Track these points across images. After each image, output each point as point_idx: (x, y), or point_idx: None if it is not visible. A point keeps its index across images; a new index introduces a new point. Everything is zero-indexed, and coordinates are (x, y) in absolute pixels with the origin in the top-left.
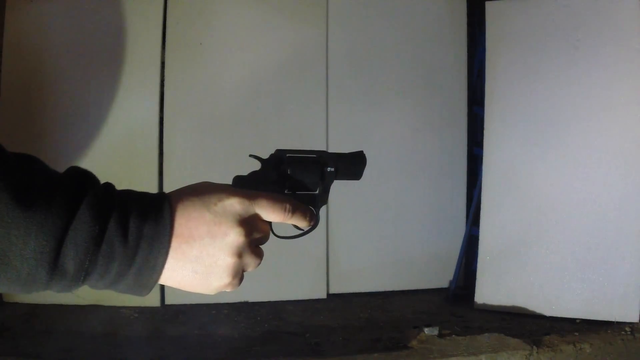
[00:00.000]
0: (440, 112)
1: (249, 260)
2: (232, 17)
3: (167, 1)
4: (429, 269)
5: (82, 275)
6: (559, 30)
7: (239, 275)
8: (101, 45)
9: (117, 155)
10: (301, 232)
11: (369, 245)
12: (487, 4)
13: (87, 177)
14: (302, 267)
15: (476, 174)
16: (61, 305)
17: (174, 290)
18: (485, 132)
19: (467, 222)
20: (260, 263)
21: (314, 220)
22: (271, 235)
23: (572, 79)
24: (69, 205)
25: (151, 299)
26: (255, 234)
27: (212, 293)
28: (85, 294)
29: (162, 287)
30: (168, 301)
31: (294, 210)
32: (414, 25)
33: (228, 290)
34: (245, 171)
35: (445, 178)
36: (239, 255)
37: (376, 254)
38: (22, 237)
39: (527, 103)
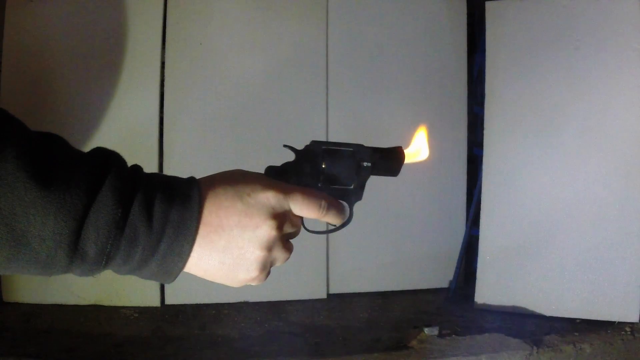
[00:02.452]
0: (440, 112)
1: (279, 255)
2: (232, 17)
3: (167, 1)
4: (429, 269)
5: (104, 260)
6: (559, 30)
7: (267, 269)
8: (101, 45)
9: None
10: (333, 227)
11: (369, 245)
12: (487, 4)
13: (111, 157)
14: (302, 267)
15: (476, 174)
16: (61, 305)
17: (174, 290)
18: (485, 132)
19: (467, 222)
20: (289, 257)
21: (348, 217)
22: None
23: (572, 79)
24: (90, 185)
25: (151, 299)
26: (287, 228)
27: (237, 286)
28: (85, 294)
29: (162, 287)
30: (168, 301)
31: (329, 208)
32: (414, 25)
33: (254, 284)
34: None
35: (445, 178)
36: (269, 248)
37: (376, 254)
38: (40, 217)
39: (527, 103)
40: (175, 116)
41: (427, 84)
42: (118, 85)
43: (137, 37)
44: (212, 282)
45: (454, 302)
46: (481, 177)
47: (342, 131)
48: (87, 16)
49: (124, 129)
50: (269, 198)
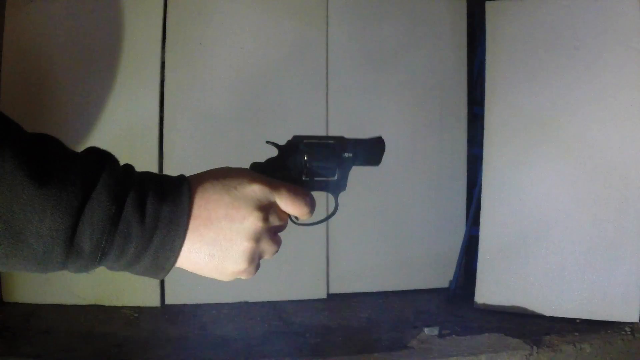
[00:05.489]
0: (440, 112)
1: (267, 247)
2: (232, 17)
3: (167, 1)
4: (429, 269)
5: (99, 255)
6: (559, 30)
7: (255, 261)
8: (101, 45)
9: (116, 155)
10: (319, 219)
11: (369, 245)
12: (487, 4)
13: (105, 157)
14: (302, 267)
15: (476, 174)
16: (61, 305)
17: (174, 290)
18: (485, 132)
19: (467, 222)
20: (277, 251)
21: (334, 208)
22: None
23: (572, 79)
24: (85, 183)
25: (151, 299)
26: (273, 220)
27: (227, 279)
28: (85, 294)
29: (162, 287)
30: (168, 301)
31: (313, 206)
32: (414, 25)
33: (243, 277)
34: None
35: (445, 178)
36: (257, 240)
37: (376, 254)
38: (37, 214)
39: (527, 103)
40: (175, 116)
41: (427, 84)
42: (118, 85)
43: (137, 37)
44: (212, 282)
45: (454, 302)
46: (481, 177)
47: (342, 131)
48: (87, 16)
49: (123, 129)
50: (255, 191)
